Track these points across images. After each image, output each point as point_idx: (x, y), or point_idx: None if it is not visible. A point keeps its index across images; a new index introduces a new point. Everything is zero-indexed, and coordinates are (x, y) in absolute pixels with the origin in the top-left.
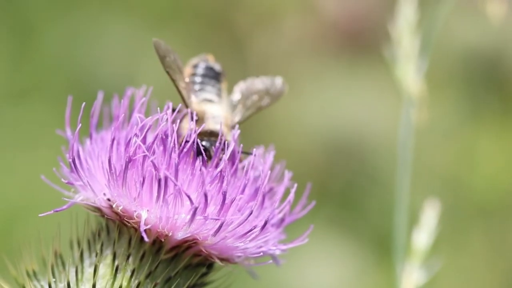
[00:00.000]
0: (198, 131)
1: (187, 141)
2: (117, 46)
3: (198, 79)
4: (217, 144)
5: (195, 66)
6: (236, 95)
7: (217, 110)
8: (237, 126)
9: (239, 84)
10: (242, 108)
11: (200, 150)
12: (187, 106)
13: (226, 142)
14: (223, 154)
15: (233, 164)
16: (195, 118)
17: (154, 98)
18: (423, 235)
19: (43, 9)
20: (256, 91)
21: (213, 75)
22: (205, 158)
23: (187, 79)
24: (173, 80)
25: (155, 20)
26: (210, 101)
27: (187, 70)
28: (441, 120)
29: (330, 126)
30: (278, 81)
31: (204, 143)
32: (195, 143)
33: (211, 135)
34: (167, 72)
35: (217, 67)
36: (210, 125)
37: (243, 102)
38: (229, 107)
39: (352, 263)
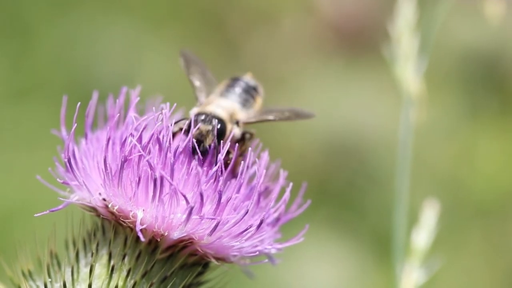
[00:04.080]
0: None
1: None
2: (115, 46)
3: (225, 88)
4: (212, 144)
5: (231, 79)
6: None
7: (225, 103)
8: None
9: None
10: (257, 113)
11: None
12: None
13: (221, 126)
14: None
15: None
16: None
17: (151, 97)
18: (423, 235)
19: (42, 10)
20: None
21: (243, 88)
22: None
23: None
24: (191, 84)
25: (153, 20)
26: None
27: (225, 82)
28: (440, 120)
29: (329, 125)
30: (311, 111)
31: (196, 117)
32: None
33: (208, 114)
34: (187, 75)
35: (251, 82)
36: (211, 107)
37: (263, 112)
38: (246, 112)
39: (351, 263)
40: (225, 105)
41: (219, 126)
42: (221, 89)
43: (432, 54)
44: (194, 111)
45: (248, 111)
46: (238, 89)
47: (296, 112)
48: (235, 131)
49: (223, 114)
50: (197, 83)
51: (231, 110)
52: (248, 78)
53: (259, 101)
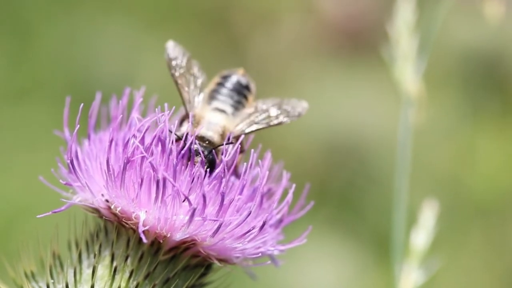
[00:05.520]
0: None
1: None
2: (116, 46)
3: (215, 88)
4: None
5: (221, 77)
6: (251, 109)
7: (216, 118)
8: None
9: (259, 100)
10: (252, 122)
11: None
12: (187, 110)
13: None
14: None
15: (231, 164)
16: (191, 120)
17: (153, 98)
18: (421, 236)
19: (42, 9)
20: (273, 109)
21: (234, 88)
22: (194, 160)
23: (210, 87)
24: (176, 83)
25: (154, 20)
26: (221, 110)
27: (215, 80)
28: (439, 120)
29: (329, 126)
30: (302, 105)
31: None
32: (187, 145)
33: (201, 139)
34: (172, 75)
35: (243, 80)
36: (201, 130)
37: (255, 116)
38: (239, 119)
39: (351, 263)
40: (216, 120)
41: (210, 157)
42: (211, 90)
43: (432, 54)
44: (184, 129)
45: (241, 112)
46: (230, 92)
47: (287, 112)
48: (228, 149)
49: (214, 138)
50: (185, 94)
51: (222, 125)
52: (239, 77)
53: (251, 100)
